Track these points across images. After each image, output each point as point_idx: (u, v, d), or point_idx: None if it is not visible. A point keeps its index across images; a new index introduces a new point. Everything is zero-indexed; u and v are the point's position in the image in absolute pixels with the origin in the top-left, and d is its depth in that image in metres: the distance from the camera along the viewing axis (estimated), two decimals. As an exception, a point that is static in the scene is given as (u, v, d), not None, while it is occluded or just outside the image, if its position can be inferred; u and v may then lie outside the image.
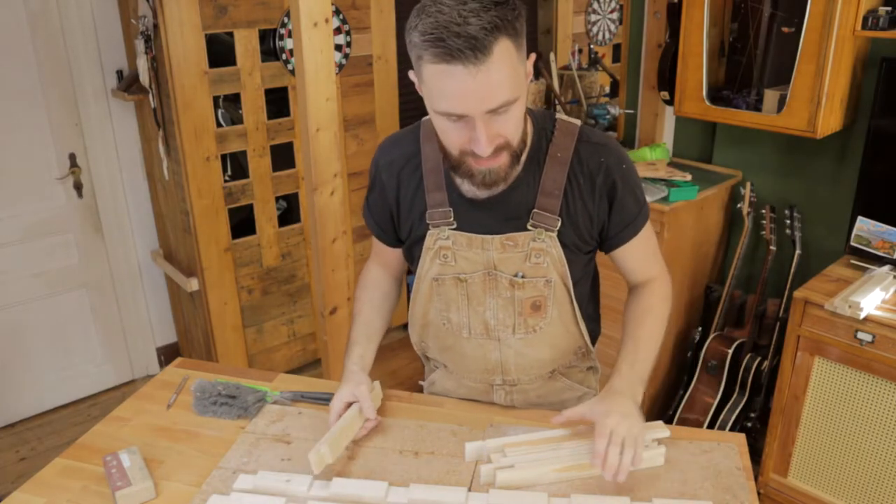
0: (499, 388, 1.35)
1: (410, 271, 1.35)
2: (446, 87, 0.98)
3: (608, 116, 2.80)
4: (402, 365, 3.21)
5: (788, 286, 2.37)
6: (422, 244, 1.24)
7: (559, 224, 1.19)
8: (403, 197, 1.25)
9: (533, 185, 1.18)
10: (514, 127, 1.06)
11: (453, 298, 1.26)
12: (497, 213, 1.19)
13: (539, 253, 1.20)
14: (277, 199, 2.93)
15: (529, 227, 1.19)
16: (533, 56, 1.10)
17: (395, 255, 1.39)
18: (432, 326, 1.32)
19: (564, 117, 1.22)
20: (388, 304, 1.41)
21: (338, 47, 2.85)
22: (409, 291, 1.36)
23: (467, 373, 1.36)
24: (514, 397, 1.36)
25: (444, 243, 1.22)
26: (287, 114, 2.86)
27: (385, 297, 1.41)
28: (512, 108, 1.02)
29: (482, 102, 0.99)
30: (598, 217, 1.21)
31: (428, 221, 1.22)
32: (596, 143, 1.20)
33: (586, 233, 1.22)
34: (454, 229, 1.21)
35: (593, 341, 1.38)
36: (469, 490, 1.12)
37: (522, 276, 1.21)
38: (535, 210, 1.18)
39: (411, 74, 1.09)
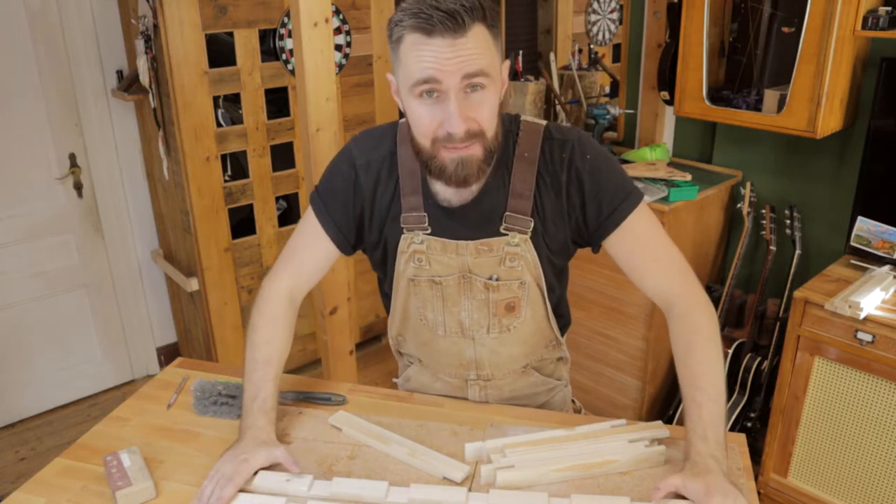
0: (473, 383, 1.36)
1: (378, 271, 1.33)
2: (424, 55, 1.02)
3: (608, 116, 2.80)
4: (402, 365, 3.21)
5: (788, 286, 2.37)
6: (394, 247, 1.24)
7: (532, 225, 1.18)
8: (379, 199, 1.23)
9: (503, 188, 1.18)
10: (487, 114, 1.07)
11: (428, 298, 1.26)
12: (470, 221, 1.19)
13: (513, 257, 1.20)
14: (277, 199, 2.93)
15: (503, 231, 1.19)
16: (507, 62, 1.13)
17: (321, 264, 1.30)
18: (411, 321, 1.32)
19: (530, 119, 1.21)
20: (289, 341, 1.29)
21: (338, 47, 2.85)
22: (381, 287, 1.35)
23: (442, 368, 1.36)
24: (487, 392, 1.37)
25: (419, 247, 1.22)
26: (287, 114, 2.86)
27: (286, 337, 1.28)
28: (486, 91, 1.05)
29: (459, 66, 1.01)
30: (570, 215, 1.19)
31: (402, 225, 1.22)
32: (558, 140, 1.19)
33: (559, 232, 1.20)
34: (428, 234, 1.21)
35: (563, 333, 1.38)
36: (469, 490, 1.12)
37: (497, 279, 1.21)
38: (506, 213, 1.18)
39: (389, 76, 1.13)
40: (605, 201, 1.17)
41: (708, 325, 1.16)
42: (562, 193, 1.18)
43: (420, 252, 1.22)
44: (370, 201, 1.24)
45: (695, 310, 1.17)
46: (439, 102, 1.05)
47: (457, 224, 1.19)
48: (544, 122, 1.21)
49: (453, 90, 1.03)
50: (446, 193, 1.18)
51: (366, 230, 1.27)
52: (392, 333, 1.39)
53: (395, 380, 1.52)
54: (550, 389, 1.42)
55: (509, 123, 1.20)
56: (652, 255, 1.21)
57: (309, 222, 1.28)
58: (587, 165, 1.17)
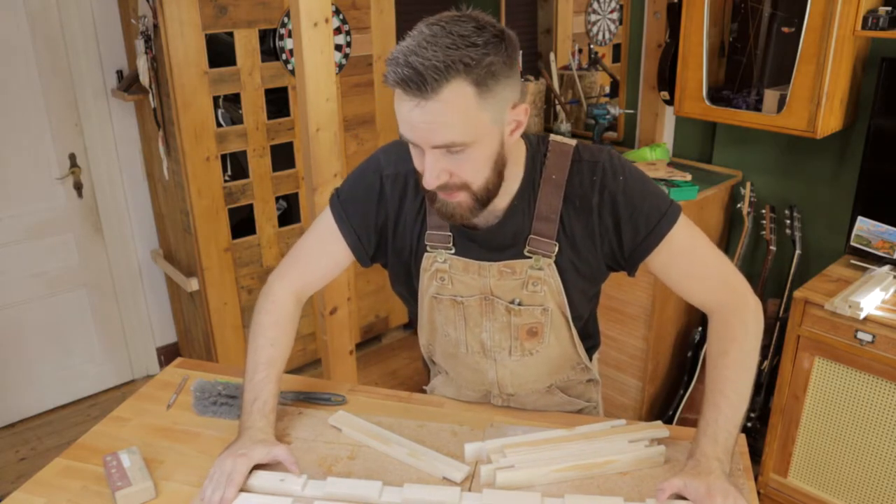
0: (496, 397, 1.36)
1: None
2: (401, 109, 0.98)
3: (608, 116, 2.80)
4: (402, 365, 3.21)
5: (788, 286, 2.37)
6: (418, 264, 1.21)
7: (556, 249, 1.15)
8: (405, 213, 1.20)
9: (528, 211, 1.14)
10: (471, 170, 1.01)
11: (450, 317, 1.24)
12: (494, 243, 1.16)
13: (536, 281, 1.17)
14: (277, 199, 2.93)
15: (527, 254, 1.16)
16: (523, 106, 1.04)
17: (333, 269, 1.29)
18: (438, 333, 1.31)
19: (559, 139, 1.17)
20: (292, 341, 1.30)
21: (338, 47, 2.85)
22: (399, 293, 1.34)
23: (466, 384, 1.36)
24: (511, 406, 1.36)
25: (441, 266, 1.19)
26: (287, 114, 2.86)
27: (290, 339, 1.29)
28: (467, 151, 0.99)
29: (425, 136, 0.97)
30: (602, 238, 1.15)
31: (426, 243, 1.19)
32: (588, 161, 1.14)
33: (590, 255, 1.17)
34: (452, 254, 1.18)
35: (592, 354, 1.36)
36: (468, 490, 1.12)
37: (519, 304, 1.19)
38: (531, 236, 1.15)
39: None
40: (641, 223, 1.14)
41: (748, 334, 1.15)
42: (592, 216, 1.14)
43: (442, 271, 1.19)
44: (395, 214, 1.20)
45: (736, 318, 1.15)
46: (422, 151, 1.01)
47: (480, 245, 1.16)
48: (574, 143, 1.16)
49: (427, 149, 0.99)
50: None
51: (389, 243, 1.23)
52: (422, 342, 1.36)
53: (424, 387, 1.50)
54: (578, 410, 1.40)
55: (537, 145, 1.16)
56: (692, 269, 1.19)
57: (325, 225, 1.25)
58: (620, 187, 1.13)
